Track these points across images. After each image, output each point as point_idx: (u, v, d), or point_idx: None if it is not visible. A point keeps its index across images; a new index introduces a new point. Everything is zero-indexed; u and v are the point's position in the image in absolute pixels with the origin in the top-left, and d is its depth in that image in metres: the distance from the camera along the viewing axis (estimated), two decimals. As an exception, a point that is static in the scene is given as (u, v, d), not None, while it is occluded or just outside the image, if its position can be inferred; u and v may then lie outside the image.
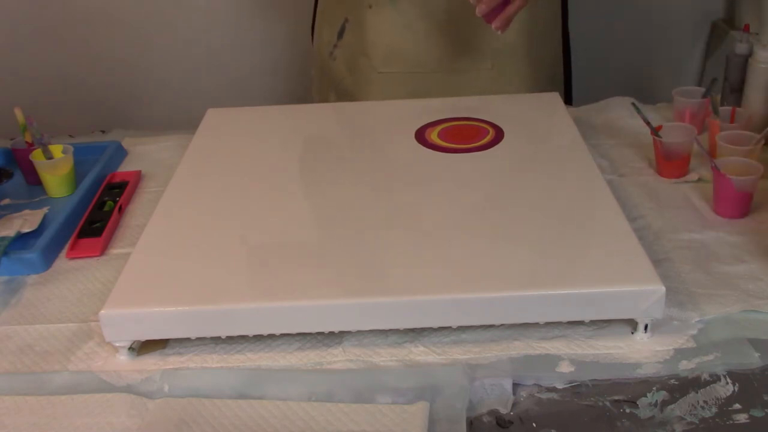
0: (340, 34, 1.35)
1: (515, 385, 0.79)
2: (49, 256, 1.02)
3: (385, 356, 0.83)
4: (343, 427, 0.74)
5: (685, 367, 0.80)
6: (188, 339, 0.86)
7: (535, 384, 0.79)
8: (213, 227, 0.96)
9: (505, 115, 1.20)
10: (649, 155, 1.18)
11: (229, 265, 0.88)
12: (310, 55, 1.48)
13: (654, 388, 0.77)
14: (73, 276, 0.99)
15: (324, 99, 1.44)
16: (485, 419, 0.76)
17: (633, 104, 1.21)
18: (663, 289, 0.81)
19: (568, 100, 1.45)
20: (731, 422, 0.74)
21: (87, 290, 0.96)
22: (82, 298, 0.95)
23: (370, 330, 0.85)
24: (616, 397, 0.77)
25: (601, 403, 0.77)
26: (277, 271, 0.87)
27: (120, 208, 1.11)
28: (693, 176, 1.12)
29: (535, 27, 1.31)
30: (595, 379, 0.79)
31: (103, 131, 1.42)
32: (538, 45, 1.33)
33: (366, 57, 1.33)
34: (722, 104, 1.25)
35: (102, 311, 0.82)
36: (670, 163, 1.12)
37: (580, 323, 0.85)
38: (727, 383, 0.78)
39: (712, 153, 1.14)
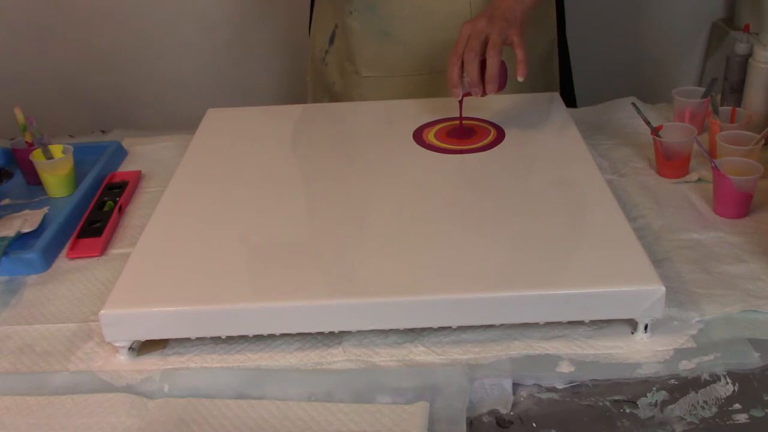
0: (331, 40, 1.37)
1: (515, 385, 0.79)
2: (49, 256, 1.02)
3: (385, 356, 0.83)
4: (343, 427, 0.74)
5: (685, 367, 0.80)
6: (188, 339, 0.86)
7: (535, 384, 0.79)
8: (213, 227, 0.96)
9: (505, 115, 1.20)
10: (649, 155, 1.18)
11: (229, 266, 0.88)
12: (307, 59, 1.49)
13: (654, 388, 0.77)
14: (73, 276, 0.99)
15: (318, 102, 1.45)
16: (485, 419, 0.76)
17: (633, 104, 1.21)
18: (663, 289, 0.81)
19: (571, 102, 1.45)
20: (731, 422, 0.74)
21: (87, 290, 0.96)
22: (82, 298, 0.95)
23: (370, 330, 0.85)
24: (616, 397, 0.77)
25: (601, 403, 0.77)
26: (277, 271, 0.87)
27: (120, 208, 1.11)
28: (693, 176, 1.12)
29: None
30: (595, 379, 0.79)
31: (103, 131, 1.42)
32: (527, 42, 1.32)
33: (350, 62, 1.34)
34: (722, 104, 1.25)
35: (102, 311, 0.82)
36: (670, 163, 1.12)
37: (580, 323, 0.85)
38: (727, 383, 0.78)
39: (712, 153, 1.14)
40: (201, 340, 0.86)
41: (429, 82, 1.32)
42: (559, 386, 0.79)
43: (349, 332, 0.86)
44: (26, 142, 1.20)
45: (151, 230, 0.96)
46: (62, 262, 1.02)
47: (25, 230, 1.05)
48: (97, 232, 1.05)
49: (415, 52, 1.30)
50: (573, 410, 0.76)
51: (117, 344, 0.84)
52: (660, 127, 1.15)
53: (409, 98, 1.30)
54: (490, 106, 1.23)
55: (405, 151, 1.12)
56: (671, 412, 0.75)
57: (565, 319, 0.84)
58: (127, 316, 0.83)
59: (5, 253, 0.99)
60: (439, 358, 0.83)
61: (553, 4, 1.36)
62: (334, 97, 1.41)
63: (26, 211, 1.11)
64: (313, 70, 1.45)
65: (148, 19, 1.98)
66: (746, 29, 1.24)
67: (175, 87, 2.05)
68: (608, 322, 0.85)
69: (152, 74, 2.04)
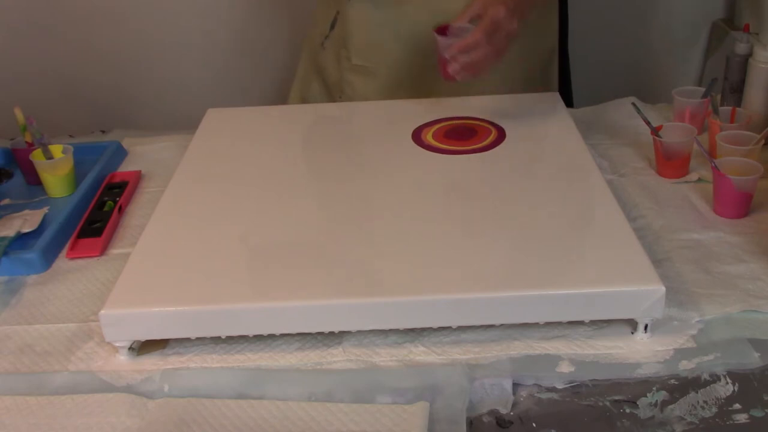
0: (332, 26, 1.37)
1: (515, 385, 0.79)
2: (49, 256, 1.02)
3: (385, 356, 0.83)
4: (343, 427, 0.74)
5: (685, 367, 0.80)
6: (188, 339, 0.86)
7: (535, 384, 0.79)
8: (213, 227, 0.96)
9: (505, 115, 1.20)
10: (649, 155, 1.18)
11: (229, 265, 0.88)
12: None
13: (654, 388, 0.77)
14: (73, 276, 0.99)
15: (305, 85, 1.46)
16: (485, 419, 0.76)
17: (633, 104, 1.21)
18: (663, 289, 0.81)
19: (568, 103, 1.45)
20: (731, 422, 0.74)
21: (87, 290, 0.96)
22: (82, 298, 0.95)
23: (370, 330, 0.85)
24: (616, 397, 0.77)
25: (601, 403, 0.77)
26: (277, 271, 0.87)
27: (120, 208, 1.11)
28: (693, 176, 1.12)
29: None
30: (595, 379, 0.79)
31: (103, 131, 1.42)
32: (528, 39, 1.31)
33: (344, 48, 1.35)
34: (722, 104, 1.25)
35: (102, 311, 0.82)
36: (670, 163, 1.12)
37: (580, 323, 0.85)
38: (727, 383, 0.78)
39: (712, 153, 1.14)
40: (201, 340, 0.86)
41: (422, 75, 1.31)
42: (559, 386, 0.79)
43: (349, 332, 0.86)
44: (26, 142, 1.20)
45: (151, 230, 0.96)
46: (62, 262, 1.02)
47: (25, 230, 1.05)
48: (97, 232, 1.05)
49: (411, 44, 1.30)
50: (573, 410, 0.76)
51: (117, 344, 0.84)
52: (660, 127, 1.15)
53: (396, 92, 1.29)
54: (490, 106, 1.23)
55: (405, 151, 1.12)
56: (671, 412, 0.75)
57: (565, 319, 0.84)
58: (127, 316, 0.83)
59: (5, 253, 0.99)
60: (439, 358, 0.83)
61: (555, 12, 1.36)
62: (324, 82, 1.41)
63: (26, 211, 1.11)
64: (308, 52, 1.45)
65: (148, 19, 1.98)
66: (746, 29, 1.24)
67: (175, 87, 2.05)
68: (608, 322, 0.85)
69: (152, 74, 2.04)
